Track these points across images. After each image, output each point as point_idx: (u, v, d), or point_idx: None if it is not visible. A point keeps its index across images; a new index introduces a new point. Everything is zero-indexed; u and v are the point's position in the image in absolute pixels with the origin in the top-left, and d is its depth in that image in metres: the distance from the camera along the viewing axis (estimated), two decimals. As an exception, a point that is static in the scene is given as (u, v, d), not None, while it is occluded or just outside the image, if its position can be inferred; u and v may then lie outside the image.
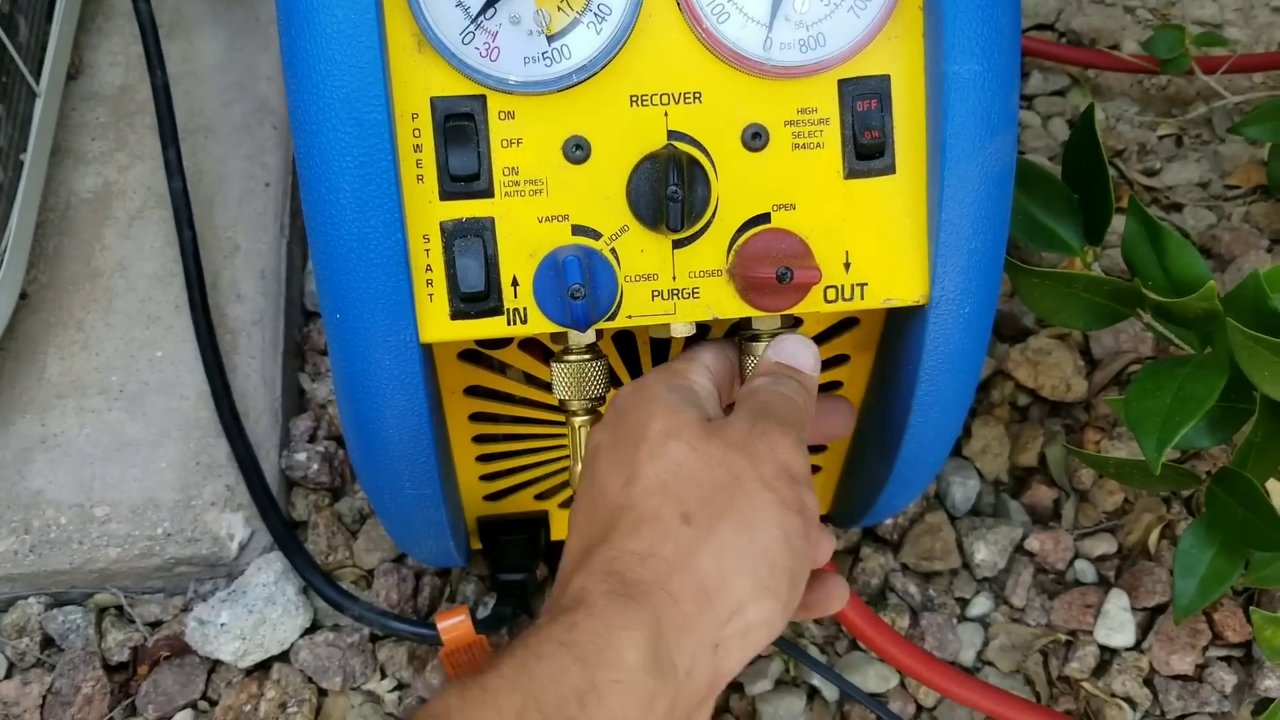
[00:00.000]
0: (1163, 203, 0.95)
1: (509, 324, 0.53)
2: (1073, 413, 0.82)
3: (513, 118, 0.52)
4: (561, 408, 0.57)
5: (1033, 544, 0.77)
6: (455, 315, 0.53)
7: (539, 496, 0.72)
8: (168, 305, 0.84)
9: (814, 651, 0.74)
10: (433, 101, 0.52)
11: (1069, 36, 1.05)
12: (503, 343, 0.60)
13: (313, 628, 0.74)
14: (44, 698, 0.72)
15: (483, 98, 0.52)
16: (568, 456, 0.68)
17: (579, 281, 0.51)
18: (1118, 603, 0.74)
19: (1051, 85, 1.02)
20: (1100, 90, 1.03)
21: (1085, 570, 0.77)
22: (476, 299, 0.53)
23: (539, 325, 0.53)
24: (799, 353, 0.53)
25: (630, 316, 0.54)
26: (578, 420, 0.56)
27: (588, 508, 0.47)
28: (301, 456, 0.79)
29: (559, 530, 0.75)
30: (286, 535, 0.73)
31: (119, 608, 0.76)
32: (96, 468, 0.77)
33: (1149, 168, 0.97)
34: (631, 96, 0.53)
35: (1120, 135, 0.98)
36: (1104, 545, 0.77)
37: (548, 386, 0.62)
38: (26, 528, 0.75)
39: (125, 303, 0.84)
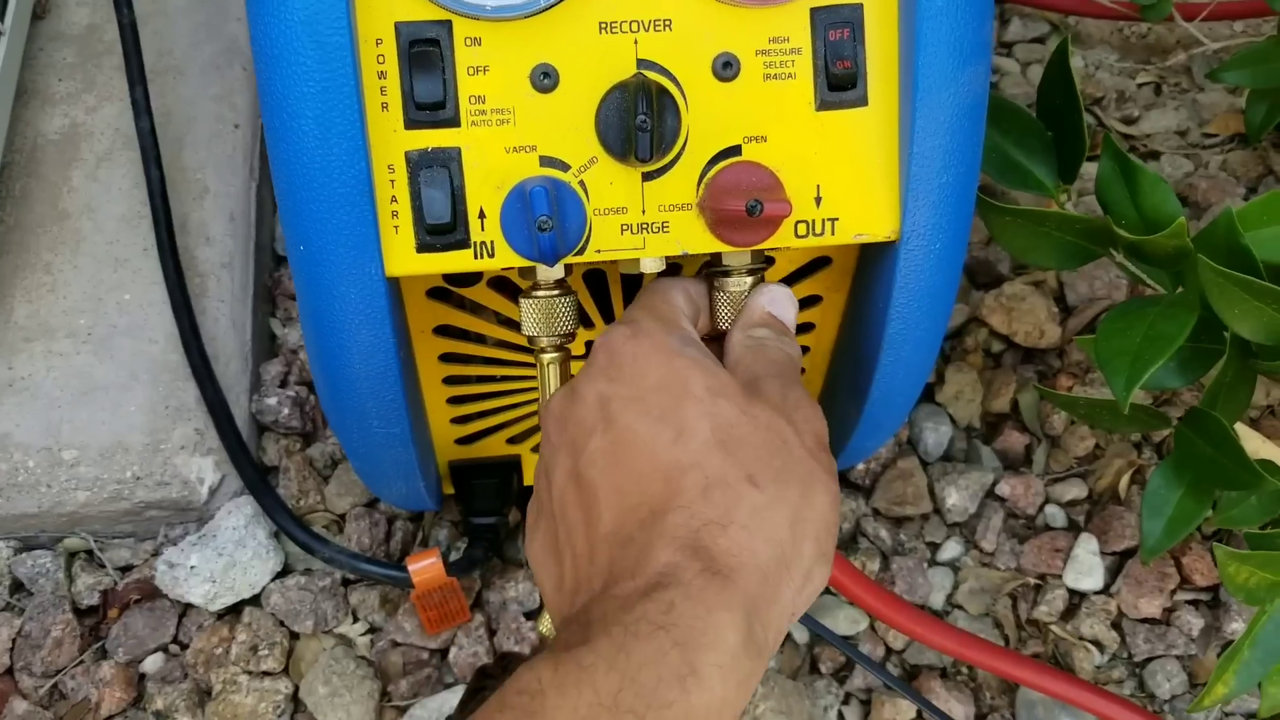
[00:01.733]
0: (1140, 150, 0.95)
1: (476, 257, 0.53)
2: (1046, 359, 0.82)
3: (479, 44, 0.51)
4: (530, 344, 0.56)
5: (1004, 489, 0.77)
6: (421, 248, 0.52)
7: (511, 440, 0.72)
8: (136, 248, 0.83)
9: (786, 595, 0.74)
10: (397, 26, 0.51)
11: (1049, -16, 1.04)
12: (472, 280, 0.60)
13: (284, 572, 0.74)
14: (13, 641, 0.71)
15: (448, 23, 0.51)
16: (538, 398, 0.67)
17: (546, 213, 0.50)
18: (1087, 547, 0.74)
19: (1031, 32, 1.01)
20: (1080, 38, 1.02)
21: (1055, 515, 0.77)
22: (443, 231, 0.52)
23: (506, 259, 0.53)
24: (788, 309, 0.54)
25: (599, 251, 0.53)
26: (546, 357, 0.56)
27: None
28: (272, 401, 0.78)
29: (531, 475, 0.75)
30: (257, 479, 0.72)
31: (88, 552, 0.76)
32: (64, 411, 0.76)
33: (1127, 115, 0.96)
34: (600, 23, 0.52)
35: (1099, 83, 0.98)
36: (1074, 490, 0.77)
37: (516, 325, 0.62)
38: (-8, 470, 0.74)
39: (93, 245, 0.83)
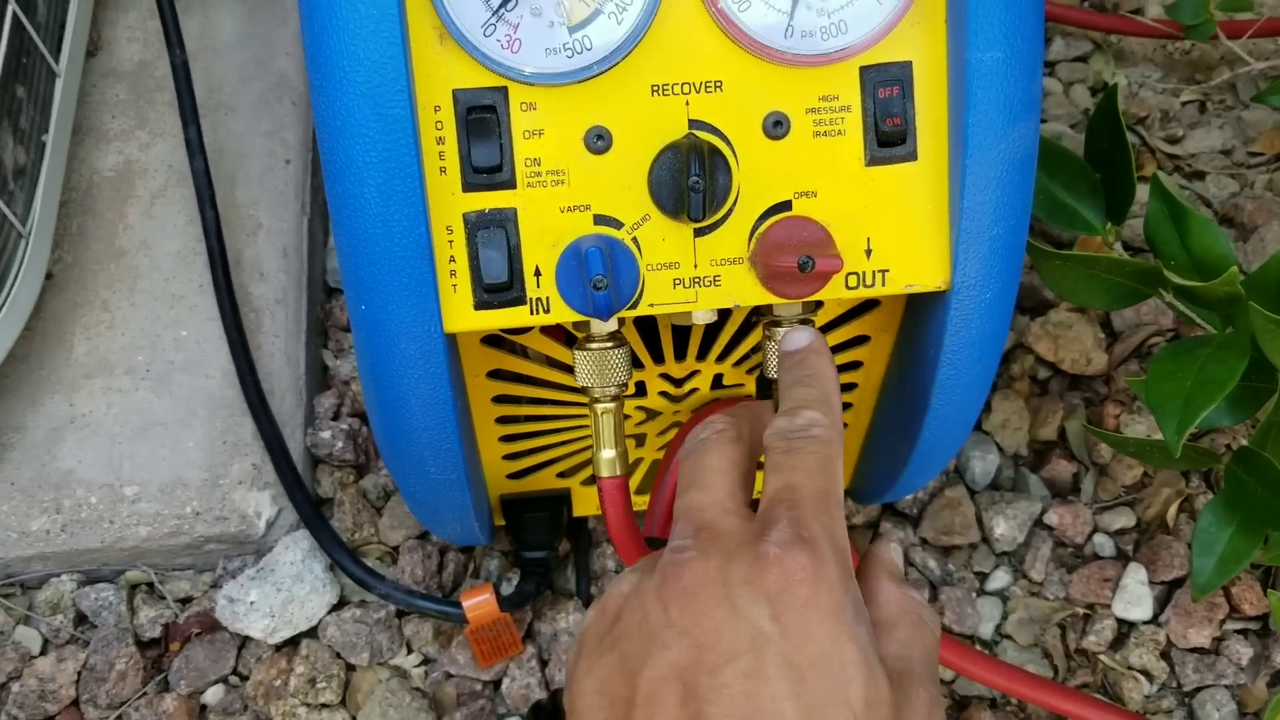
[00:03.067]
0: (1185, 170, 0.94)
1: (532, 314, 0.54)
2: (1093, 386, 0.82)
3: (534, 109, 0.52)
4: (584, 394, 0.57)
5: (1052, 518, 0.77)
6: (479, 305, 0.54)
7: (561, 475, 0.73)
8: (191, 284, 0.84)
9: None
10: (455, 94, 0.52)
11: (1090, 2, 1.04)
12: (526, 328, 0.61)
13: (340, 604, 0.76)
14: (79, 674, 0.73)
15: (504, 89, 0.52)
16: (589, 435, 0.69)
17: (601, 273, 0.51)
18: (1136, 576, 0.75)
19: (1074, 51, 1.01)
20: (1123, 55, 1.02)
21: (1104, 544, 0.77)
22: (500, 289, 0.53)
23: (562, 314, 0.54)
24: (800, 339, 0.52)
25: (652, 305, 0.54)
26: (600, 408, 0.57)
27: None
28: (326, 434, 0.80)
29: (581, 507, 0.76)
30: (313, 514, 0.74)
31: (150, 584, 0.78)
32: (125, 447, 0.78)
33: (1171, 135, 0.96)
34: (653, 86, 0.53)
35: (1143, 102, 0.98)
36: (1123, 519, 0.77)
37: (569, 369, 0.63)
38: (58, 507, 0.76)
39: (149, 282, 0.84)
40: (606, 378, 0.56)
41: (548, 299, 0.54)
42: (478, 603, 0.69)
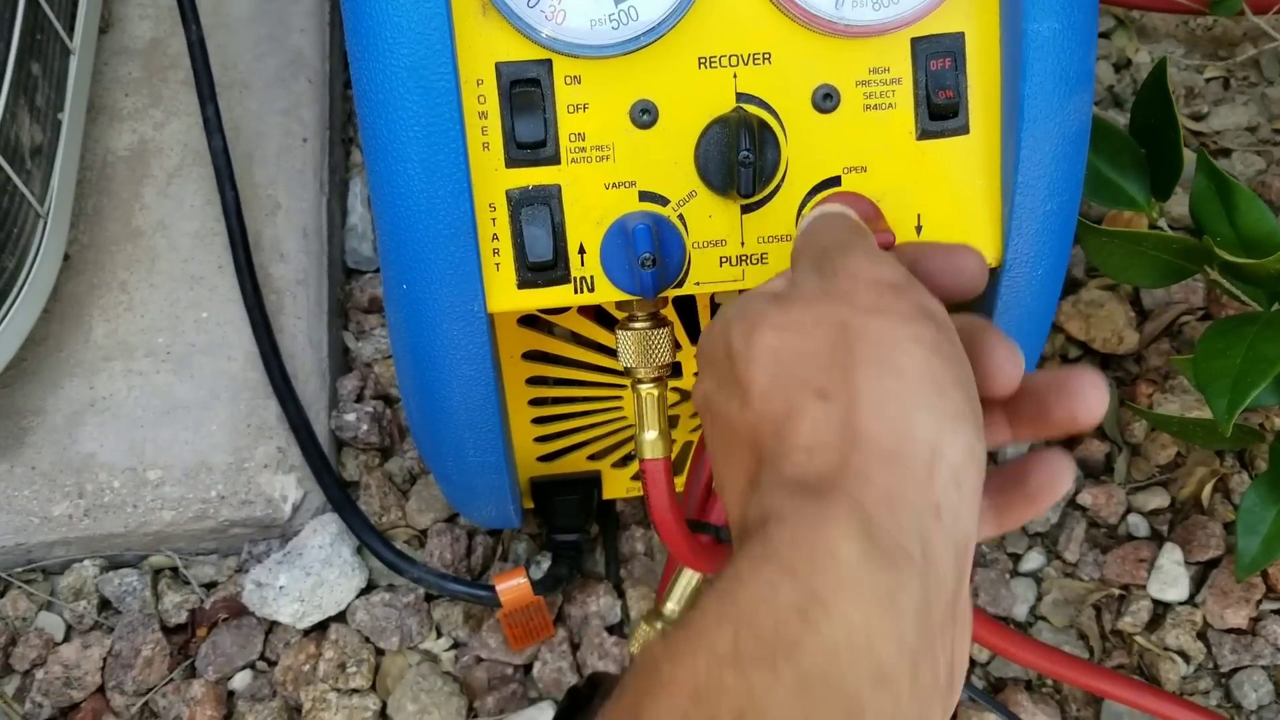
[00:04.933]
0: (1211, 148, 0.93)
1: (576, 293, 0.53)
2: (1124, 365, 0.81)
3: (579, 82, 0.51)
4: (627, 375, 0.56)
5: (1085, 499, 0.76)
6: (522, 284, 0.52)
7: (592, 457, 0.72)
8: (210, 265, 0.83)
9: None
10: (498, 67, 0.51)
11: (1114, -23, 1.03)
12: (563, 306, 0.60)
13: (368, 588, 0.75)
14: (104, 660, 0.72)
15: (548, 62, 0.51)
16: (622, 417, 0.68)
17: (649, 250, 0.50)
18: (1171, 557, 0.74)
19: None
20: (1145, 32, 1.01)
21: (1138, 525, 0.76)
22: (544, 268, 0.52)
23: (607, 293, 0.53)
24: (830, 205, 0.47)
25: (698, 284, 0.53)
26: (644, 389, 0.56)
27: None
28: (351, 417, 0.79)
29: (611, 489, 0.75)
30: (342, 498, 0.73)
31: (174, 569, 0.77)
32: (147, 430, 0.77)
33: (1196, 111, 0.95)
34: (700, 58, 0.52)
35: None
36: (1157, 499, 0.76)
37: (603, 349, 0.62)
38: (80, 491, 0.75)
39: (168, 263, 0.83)
40: (650, 358, 0.55)
41: (592, 278, 0.53)
42: (511, 586, 0.68)
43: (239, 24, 0.93)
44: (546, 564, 0.73)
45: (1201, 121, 0.95)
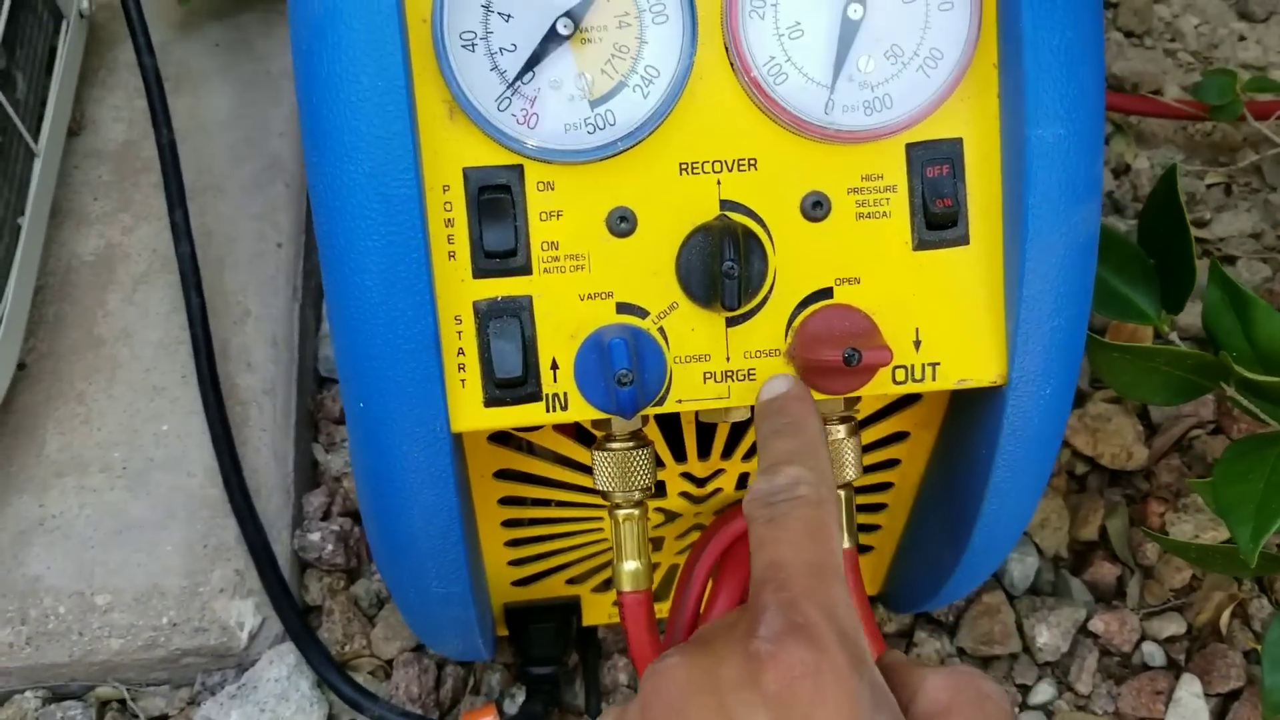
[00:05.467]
0: (1215, 254, 0.91)
1: (548, 411, 0.49)
2: (1133, 482, 0.77)
3: (552, 189, 0.48)
4: (604, 499, 0.52)
5: (1097, 625, 0.72)
6: (489, 402, 0.49)
7: (571, 581, 0.68)
8: (174, 375, 0.79)
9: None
10: (466, 172, 0.47)
11: (1110, 82, 1.01)
12: (539, 425, 0.56)
13: (329, 723, 0.70)
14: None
15: (520, 168, 0.48)
16: (603, 538, 0.63)
17: (626, 366, 0.46)
18: (1190, 689, 0.69)
19: (1093, 133, 0.98)
20: (1144, 137, 0.99)
21: (1153, 653, 0.72)
22: (513, 384, 0.48)
23: (581, 412, 0.49)
24: (778, 385, 0.47)
25: (680, 401, 0.50)
26: (622, 514, 0.52)
27: None
28: (315, 537, 0.74)
29: (591, 615, 0.70)
30: (300, 626, 0.68)
31: (121, 702, 0.72)
32: (98, 552, 0.72)
33: (1199, 218, 0.92)
34: (681, 164, 0.49)
35: (1167, 184, 0.94)
36: (1172, 626, 0.72)
37: (582, 468, 0.58)
38: (23, 617, 0.70)
39: (129, 373, 0.79)
40: (629, 481, 0.51)
41: (565, 395, 0.49)
42: (480, 725, 0.63)
43: (216, 128, 0.90)
44: (522, 697, 0.68)
45: (1204, 228, 0.93)
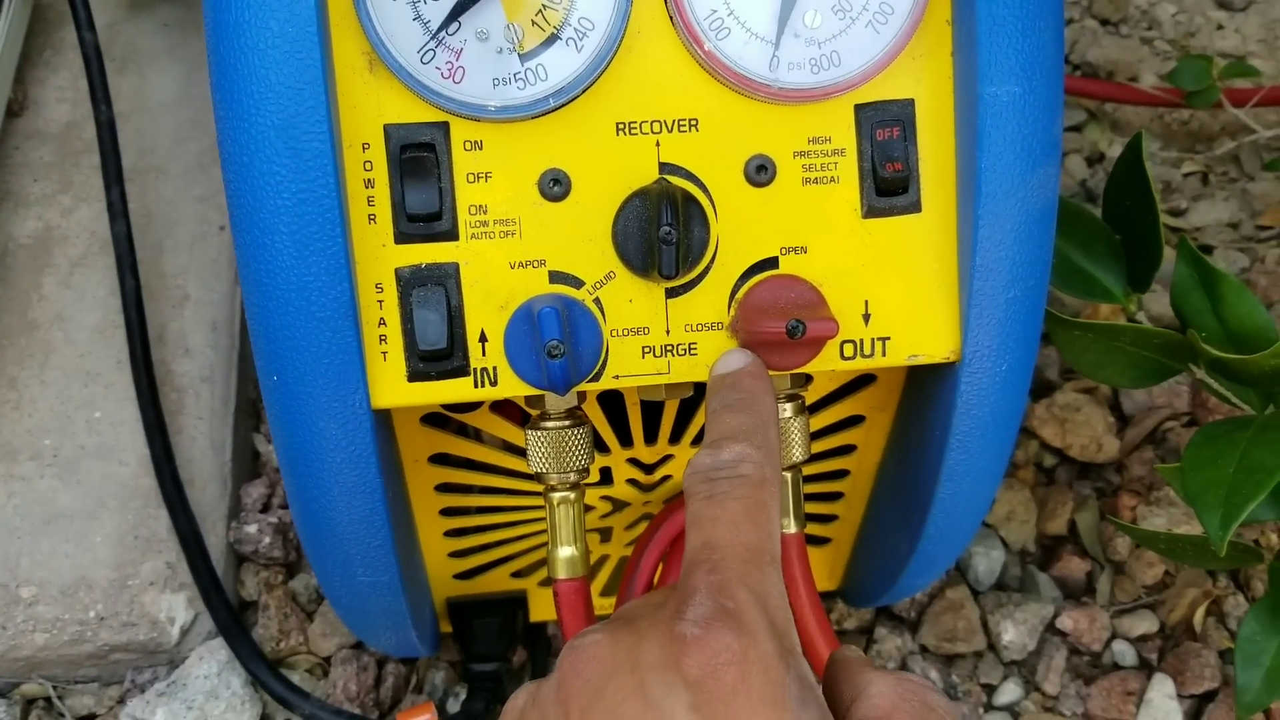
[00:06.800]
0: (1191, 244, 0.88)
1: (476, 386, 0.46)
2: (1104, 474, 0.75)
3: (480, 148, 0.45)
4: (539, 481, 0.49)
5: (1065, 623, 0.69)
6: (413, 376, 0.46)
7: (516, 574, 0.65)
8: (109, 361, 0.76)
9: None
10: (386, 129, 0.45)
11: (1084, 69, 0.99)
12: (472, 405, 0.53)
13: (261, 724, 0.66)
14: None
15: (445, 125, 0.45)
16: (546, 532, 0.60)
17: (557, 337, 0.43)
18: (1162, 689, 0.66)
19: (1068, 120, 0.95)
20: (1119, 125, 0.97)
21: (1124, 652, 0.69)
22: (438, 357, 0.45)
23: (511, 387, 0.46)
24: (735, 360, 0.44)
25: (617, 377, 0.47)
26: (556, 496, 0.49)
27: None
28: (252, 529, 0.71)
29: (538, 610, 0.67)
30: (231, 622, 0.65)
31: (47, 699, 0.68)
32: (24, 542, 0.69)
33: (1175, 207, 0.90)
34: (618, 124, 0.46)
35: (1142, 173, 0.92)
36: (1144, 624, 0.69)
37: (521, 452, 0.55)
38: (-59, 611, 0.67)
39: (63, 358, 0.76)
40: (564, 462, 0.48)
41: (495, 369, 0.46)
42: (416, 724, 0.60)
43: (160, 109, 0.87)
44: (465, 698, 0.65)
45: (1180, 217, 0.90)
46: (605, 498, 0.60)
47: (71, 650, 0.67)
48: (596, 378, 0.46)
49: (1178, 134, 0.96)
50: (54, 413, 0.74)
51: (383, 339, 0.45)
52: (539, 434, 0.48)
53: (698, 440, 0.56)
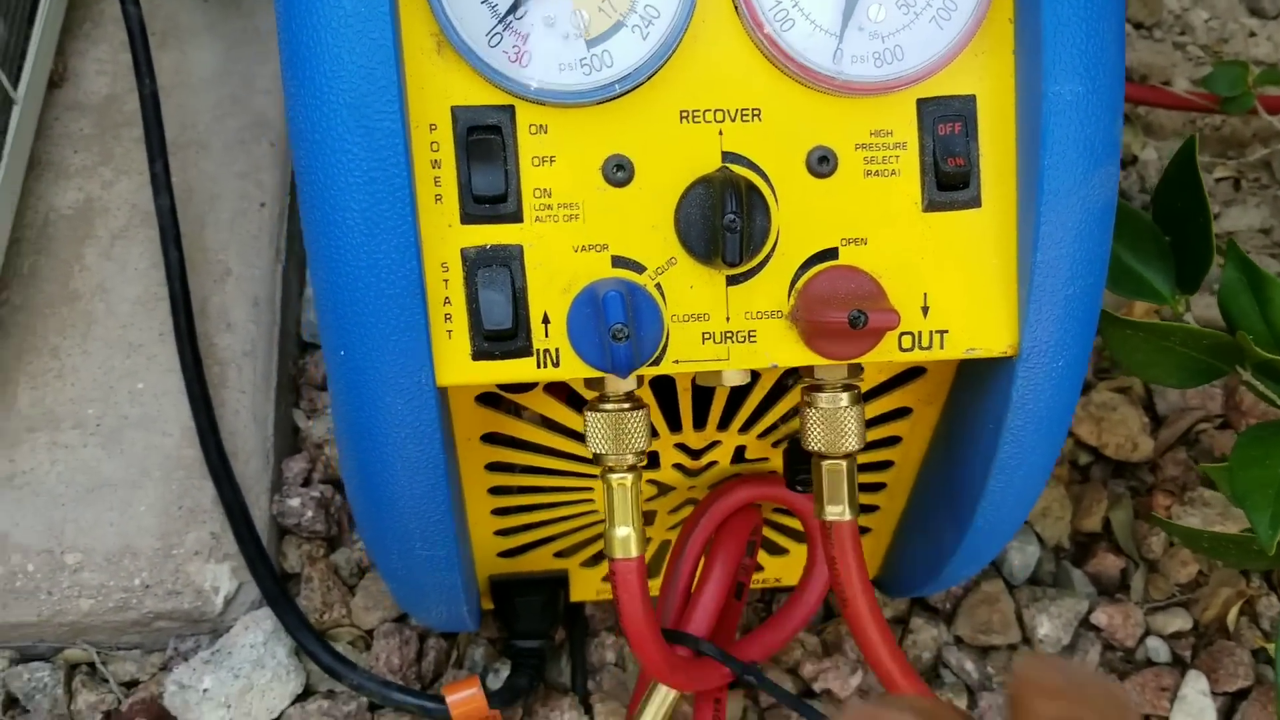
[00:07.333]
0: (1223, 250, 0.88)
1: (539, 367, 0.47)
2: (1138, 474, 0.75)
3: (545, 132, 0.46)
4: (596, 462, 0.50)
5: (1099, 618, 0.69)
6: (477, 355, 0.46)
7: (559, 554, 0.65)
8: (151, 333, 0.77)
9: None
10: (454, 111, 0.45)
11: (1121, 68, 0.99)
12: (527, 385, 0.53)
13: (305, 693, 0.67)
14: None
15: (511, 108, 0.45)
16: (593, 511, 0.61)
17: (621, 321, 0.44)
18: (1196, 686, 0.67)
19: (1104, 118, 0.95)
20: (1151, 129, 0.97)
21: (1158, 649, 0.69)
22: (503, 337, 0.46)
23: (573, 369, 0.47)
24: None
25: (677, 361, 0.47)
26: (614, 478, 0.49)
27: None
28: (295, 502, 0.72)
29: (579, 591, 0.68)
30: (277, 591, 0.66)
31: (91, 665, 0.69)
32: (69, 510, 0.70)
33: (1209, 210, 0.90)
34: (681, 112, 0.46)
35: (1178, 173, 0.92)
36: (1178, 621, 0.70)
37: (573, 434, 0.56)
38: (-12, 576, 0.68)
39: (105, 329, 0.77)
40: (623, 444, 0.49)
41: (557, 351, 0.47)
42: (463, 698, 0.61)
43: (201, 84, 0.88)
44: (506, 672, 0.66)
45: (1214, 222, 0.90)
46: (652, 481, 0.60)
47: (116, 617, 0.68)
48: (657, 362, 0.47)
49: (1210, 139, 0.96)
50: (96, 383, 0.75)
51: (448, 318, 0.46)
52: (598, 416, 0.49)
53: (745, 427, 0.56)
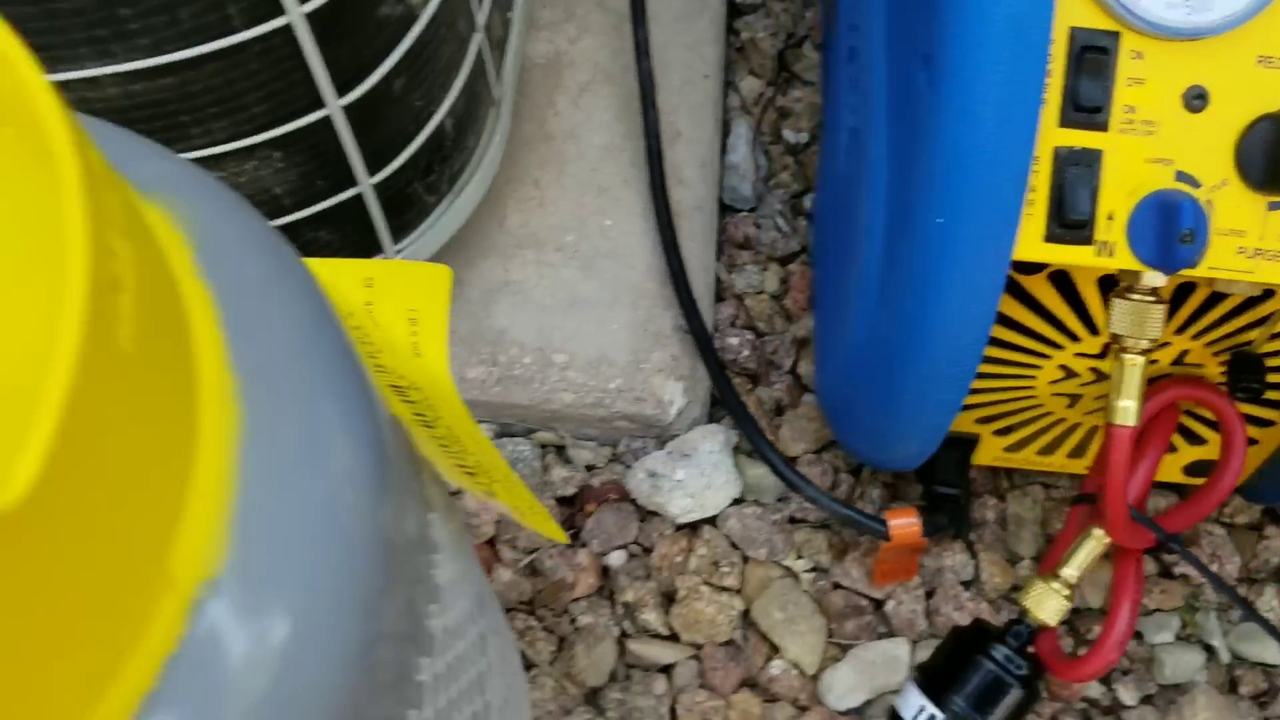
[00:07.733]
0: None
1: (1097, 255, 0.56)
2: None
3: (1141, 58, 0.55)
4: (1113, 342, 0.59)
5: None
6: (1049, 238, 0.56)
7: (979, 420, 0.76)
8: (616, 179, 0.88)
9: (1212, 617, 0.77)
10: (1072, 31, 0.54)
11: None
12: (1033, 269, 0.63)
13: (737, 500, 0.80)
14: (498, 516, 0.79)
15: (1117, 34, 0.54)
16: (1028, 392, 0.71)
17: (1191, 226, 0.53)
18: None
19: None
20: None
21: None
22: (1076, 226, 0.56)
23: (1125, 261, 0.56)
24: None
25: (1212, 268, 0.56)
26: (1127, 357, 0.59)
27: None
28: (734, 340, 0.83)
29: (983, 455, 0.78)
30: (743, 413, 0.78)
31: (559, 447, 0.82)
32: (554, 318, 0.83)
33: None
34: (1259, 56, 0.54)
35: None
36: None
37: (1059, 326, 0.65)
38: (494, 360, 0.81)
39: (577, 169, 0.89)
40: (1141, 329, 0.58)
41: (1113, 244, 0.56)
42: (903, 524, 0.72)
43: (653, -41, 0.98)
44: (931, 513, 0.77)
45: None
46: (1094, 369, 0.70)
47: (589, 412, 0.81)
48: (1195, 265, 0.56)
49: None
50: (572, 215, 0.87)
51: (1030, 202, 0.56)
52: (1126, 303, 0.58)
53: (1198, 335, 0.65)
